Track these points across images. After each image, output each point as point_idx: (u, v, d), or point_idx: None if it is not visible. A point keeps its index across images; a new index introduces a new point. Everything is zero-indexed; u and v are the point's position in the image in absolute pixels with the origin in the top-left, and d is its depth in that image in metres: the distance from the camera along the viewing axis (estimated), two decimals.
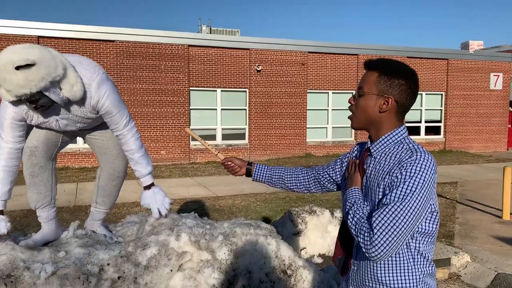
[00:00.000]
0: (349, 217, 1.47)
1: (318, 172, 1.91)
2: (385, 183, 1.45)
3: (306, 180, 1.92)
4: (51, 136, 2.62)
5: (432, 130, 17.55)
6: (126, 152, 2.67)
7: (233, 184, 9.46)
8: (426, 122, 17.33)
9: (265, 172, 1.99)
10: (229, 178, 10.12)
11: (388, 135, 1.54)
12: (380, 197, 1.46)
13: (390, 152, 1.51)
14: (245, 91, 14.65)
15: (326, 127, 15.97)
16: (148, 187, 2.73)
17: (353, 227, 1.44)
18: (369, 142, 1.61)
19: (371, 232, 1.36)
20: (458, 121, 17.58)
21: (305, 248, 4.58)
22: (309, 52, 15.16)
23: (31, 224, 5.80)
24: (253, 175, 1.99)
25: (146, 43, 13.17)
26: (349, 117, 1.65)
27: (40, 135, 2.58)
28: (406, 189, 1.37)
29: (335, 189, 1.90)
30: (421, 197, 1.38)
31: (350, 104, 1.63)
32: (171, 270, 2.52)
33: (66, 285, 2.32)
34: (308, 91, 15.37)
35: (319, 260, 4.42)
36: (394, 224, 1.35)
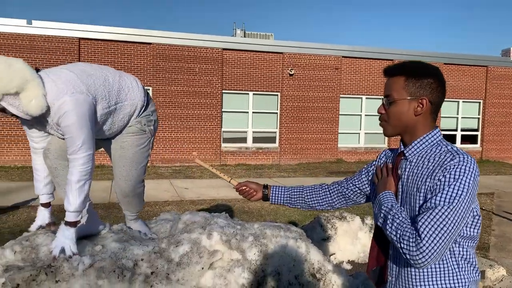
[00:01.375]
0: (388, 222, 1.41)
1: (342, 185, 1.84)
2: (426, 186, 1.40)
3: (328, 195, 1.86)
4: None
5: (468, 139, 17.04)
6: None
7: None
8: (462, 130, 16.85)
9: (282, 194, 1.93)
10: (258, 181, 10.15)
11: (424, 138, 1.50)
12: (421, 201, 1.41)
13: (427, 155, 1.47)
14: (277, 95, 14.68)
15: (359, 133, 15.79)
16: (67, 224, 2.48)
17: (394, 233, 1.38)
18: (401, 147, 1.57)
19: (418, 238, 1.31)
20: (496, 130, 16.99)
21: (334, 254, 4.55)
22: (343, 56, 15.06)
23: None
24: (271, 198, 1.94)
25: (182, 46, 13.42)
26: (381, 125, 1.59)
27: (55, 138, 2.66)
28: (452, 192, 1.33)
29: (362, 202, 1.83)
30: (466, 200, 1.34)
31: (380, 114, 1.58)
32: (202, 268, 2.58)
33: (102, 277, 2.41)
34: (341, 96, 15.25)
35: (348, 267, 4.38)
36: (442, 228, 1.30)
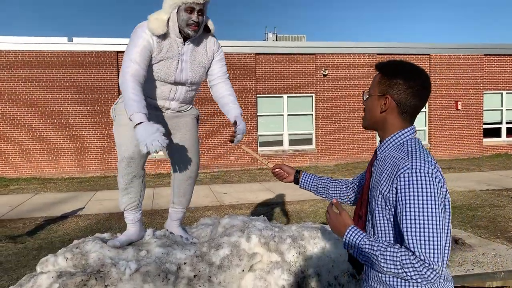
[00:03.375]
0: (380, 260, 1.39)
1: (354, 182, 1.97)
2: (382, 189, 1.46)
3: (349, 190, 1.98)
4: None
5: None
6: (221, 99, 3.09)
7: (300, 189, 9.49)
8: (507, 123, 16.17)
9: (311, 181, 2.08)
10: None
11: (392, 137, 1.55)
12: (379, 202, 1.47)
13: (389, 154, 1.52)
14: (312, 96, 14.64)
15: None
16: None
17: (392, 267, 1.37)
18: (378, 144, 1.65)
19: (419, 260, 1.33)
20: None
21: None
22: (378, 53, 14.84)
23: (113, 227, 6.26)
24: (300, 182, 2.09)
25: None
26: (362, 118, 1.70)
27: (135, 150, 2.72)
28: (418, 202, 1.35)
29: None
30: (434, 201, 1.35)
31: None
32: (243, 270, 2.64)
33: (148, 281, 2.52)
34: None
35: None
36: (431, 237, 1.33)
